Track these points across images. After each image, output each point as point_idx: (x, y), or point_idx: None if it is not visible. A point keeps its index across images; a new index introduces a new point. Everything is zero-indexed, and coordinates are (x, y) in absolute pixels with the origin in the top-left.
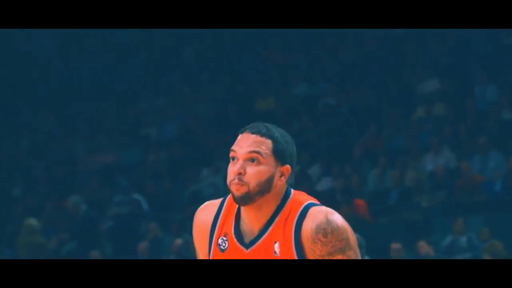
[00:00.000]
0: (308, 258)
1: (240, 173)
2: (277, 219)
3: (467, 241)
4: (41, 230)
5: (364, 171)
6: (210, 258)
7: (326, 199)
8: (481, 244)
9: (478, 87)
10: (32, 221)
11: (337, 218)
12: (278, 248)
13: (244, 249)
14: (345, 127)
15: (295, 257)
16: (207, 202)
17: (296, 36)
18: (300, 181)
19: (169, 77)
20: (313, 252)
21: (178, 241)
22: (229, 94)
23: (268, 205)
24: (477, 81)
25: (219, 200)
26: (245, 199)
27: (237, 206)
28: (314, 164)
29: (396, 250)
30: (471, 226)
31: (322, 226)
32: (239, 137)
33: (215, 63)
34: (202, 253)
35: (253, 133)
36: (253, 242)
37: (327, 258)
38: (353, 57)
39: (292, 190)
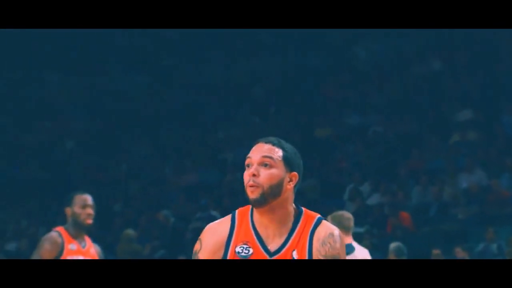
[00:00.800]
0: (312, 258)
1: (254, 175)
2: (296, 230)
3: (497, 247)
4: (137, 239)
5: (408, 188)
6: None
7: (376, 212)
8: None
9: (505, 116)
10: (130, 232)
11: (341, 233)
12: (296, 255)
13: (267, 255)
14: (392, 151)
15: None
16: (216, 221)
17: (349, 73)
18: (353, 197)
19: (242, 110)
20: (319, 252)
21: None
22: (293, 124)
23: (280, 211)
24: (505, 111)
25: (228, 216)
26: (260, 201)
27: (249, 216)
28: (365, 182)
29: (436, 255)
30: (501, 235)
31: (335, 234)
32: (254, 147)
33: (281, 98)
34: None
35: (266, 142)
36: (277, 251)
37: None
38: (398, 91)
39: (303, 208)
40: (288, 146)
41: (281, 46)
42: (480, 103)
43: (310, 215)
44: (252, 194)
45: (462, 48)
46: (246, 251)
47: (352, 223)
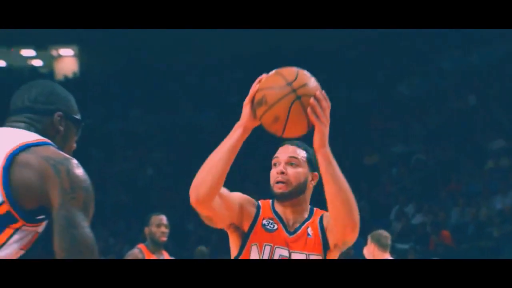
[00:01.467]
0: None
1: (282, 172)
2: (310, 220)
3: None
4: (209, 255)
5: (448, 209)
6: (252, 233)
7: (419, 231)
8: None
9: None
10: (203, 248)
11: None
12: (311, 231)
13: (288, 234)
14: (433, 176)
15: (321, 241)
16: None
17: (393, 107)
18: (398, 217)
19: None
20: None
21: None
22: (343, 152)
23: (300, 206)
24: None
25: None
26: (286, 196)
27: (271, 206)
28: (409, 204)
29: None
30: None
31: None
32: (280, 148)
33: (331, 130)
34: (241, 227)
35: (291, 144)
36: (295, 231)
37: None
38: (437, 123)
39: (314, 207)
40: (310, 148)
41: (333, 83)
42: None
43: (318, 211)
44: (279, 189)
45: (494, 85)
46: (271, 226)
47: (389, 241)
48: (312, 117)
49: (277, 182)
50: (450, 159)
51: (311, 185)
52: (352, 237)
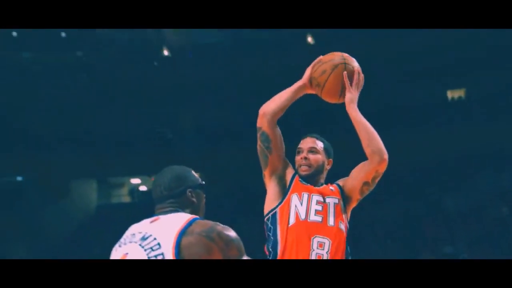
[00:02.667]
0: (345, 191)
1: (306, 158)
2: (327, 186)
3: None
4: None
5: None
6: (292, 184)
7: None
8: None
9: None
10: None
11: None
12: (331, 186)
13: (313, 186)
14: None
15: (340, 194)
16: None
17: (442, 216)
18: None
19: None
20: (344, 183)
21: None
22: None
23: (319, 183)
24: None
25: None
26: (310, 176)
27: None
28: None
29: None
30: None
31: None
32: (302, 140)
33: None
34: (284, 180)
35: (311, 137)
36: (318, 186)
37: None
38: (479, 231)
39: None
40: (326, 140)
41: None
42: None
43: (329, 183)
44: (304, 172)
45: None
46: (305, 182)
47: None
48: (347, 81)
49: (301, 166)
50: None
51: (327, 167)
52: (380, 162)
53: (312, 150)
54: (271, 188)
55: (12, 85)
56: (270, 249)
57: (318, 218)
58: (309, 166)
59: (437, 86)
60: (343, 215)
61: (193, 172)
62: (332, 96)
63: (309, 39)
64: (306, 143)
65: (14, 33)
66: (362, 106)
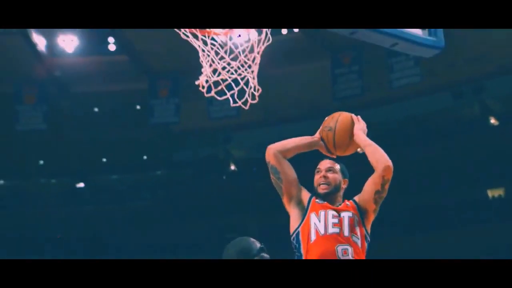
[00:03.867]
0: (360, 205)
1: (325, 176)
2: (343, 202)
3: None
4: None
5: None
6: (310, 205)
7: None
8: None
9: None
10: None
11: None
12: (348, 203)
13: (328, 204)
14: None
15: (355, 206)
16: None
17: None
18: None
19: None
20: (359, 197)
21: None
22: None
23: (336, 201)
24: None
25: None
26: (328, 194)
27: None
28: None
29: None
30: None
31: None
32: (320, 162)
33: None
34: (302, 203)
35: (329, 159)
36: (337, 206)
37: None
38: None
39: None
40: (341, 163)
41: None
42: None
43: (345, 200)
44: (323, 190)
45: None
46: (321, 201)
47: None
48: (355, 116)
49: (320, 184)
50: None
51: (343, 187)
52: (385, 169)
53: (330, 169)
54: (292, 211)
55: (103, 202)
56: None
57: (336, 230)
58: (328, 184)
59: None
60: (357, 229)
61: (256, 242)
62: (344, 134)
63: None
64: (325, 164)
65: (104, 159)
66: (400, 205)
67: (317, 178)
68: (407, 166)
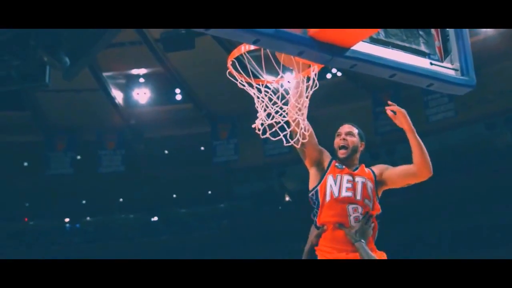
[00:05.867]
0: (379, 178)
1: (344, 139)
2: (359, 167)
3: None
4: None
5: None
6: (329, 168)
7: None
8: None
9: None
10: None
11: None
12: (366, 171)
13: (350, 171)
14: None
15: (371, 174)
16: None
17: None
18: None
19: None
20: (378, 169)
21: None
22: None
23: (353, 162)
24: None
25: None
26: (347, 158)
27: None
28: None
29: None
30: None
31: (380, 165)
32: (340, 127)
33: None
34: (321, 165)
35: (348, 124)
36: (354, 170)
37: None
38: None
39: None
40: (358, 127)
41: None
42: None
43: (363, 165)
44: (342, 155)
45: None
46: (341, 166)
47: None
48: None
49: (340, 147)
50: None
51: (360, 149)
52: (427, 177)
53: (349, 133)
54: (312, 172)
55: (175, 233)
56: (315, 218)
57: (349, 194)
58: (346, 148)
59: None
60: (369, 193)
61: None
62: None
63: None
64: (344, 128)
65: (174, 195)
66: (441, 228)
67: (337, 140)
68: (447, 192)
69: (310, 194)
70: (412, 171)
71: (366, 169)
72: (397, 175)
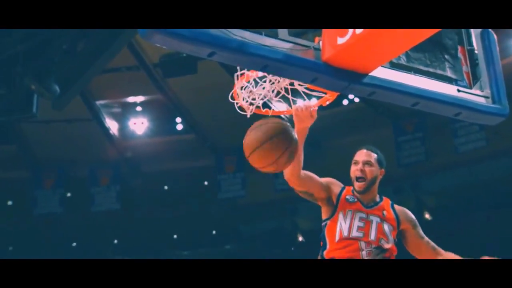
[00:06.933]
0: (402, 228)
1: (362, 170)
2: (382, 201)
3: None
4: None
5: None
6: (339, 203)
7: None
8: None
9: None
10: None
11: None
12: (386, 213)
13: (364, 207)
14: None
15: (394, 218)
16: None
17: None
18: None
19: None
20: (403, 215)
21: None
22: None
23: (372, 193)
24: None
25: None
26: (364, 190)
27: (352, 190)
28: None
29: None
30: None
31: (409, 213)
32: (358, 152)
33: None
34: (331, 200)
35: (366, 149)
36: (371, 206)
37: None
38: None
39: (382, 195)
40: (379, 151)
41: None
42: None
43: (386, 199)
44: (359, 187)
45: None
46: (352, 199)
47: None
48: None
49: (357, 178)
50: None
51: (379, 178)
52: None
53: (368, 163)
54: (323, 206)
55: None
56: (324, 257)
57: (360, 234)
58: (364, 180)
59: None
60: (386, 233)
61: None
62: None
63: None
64: (361, 155)
65: (175, 236)
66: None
67: (354, 169)
68: (474, 231)
69: (322, 224)
70: (438, 254)
71: (391, 210)
72: (423, 243)
